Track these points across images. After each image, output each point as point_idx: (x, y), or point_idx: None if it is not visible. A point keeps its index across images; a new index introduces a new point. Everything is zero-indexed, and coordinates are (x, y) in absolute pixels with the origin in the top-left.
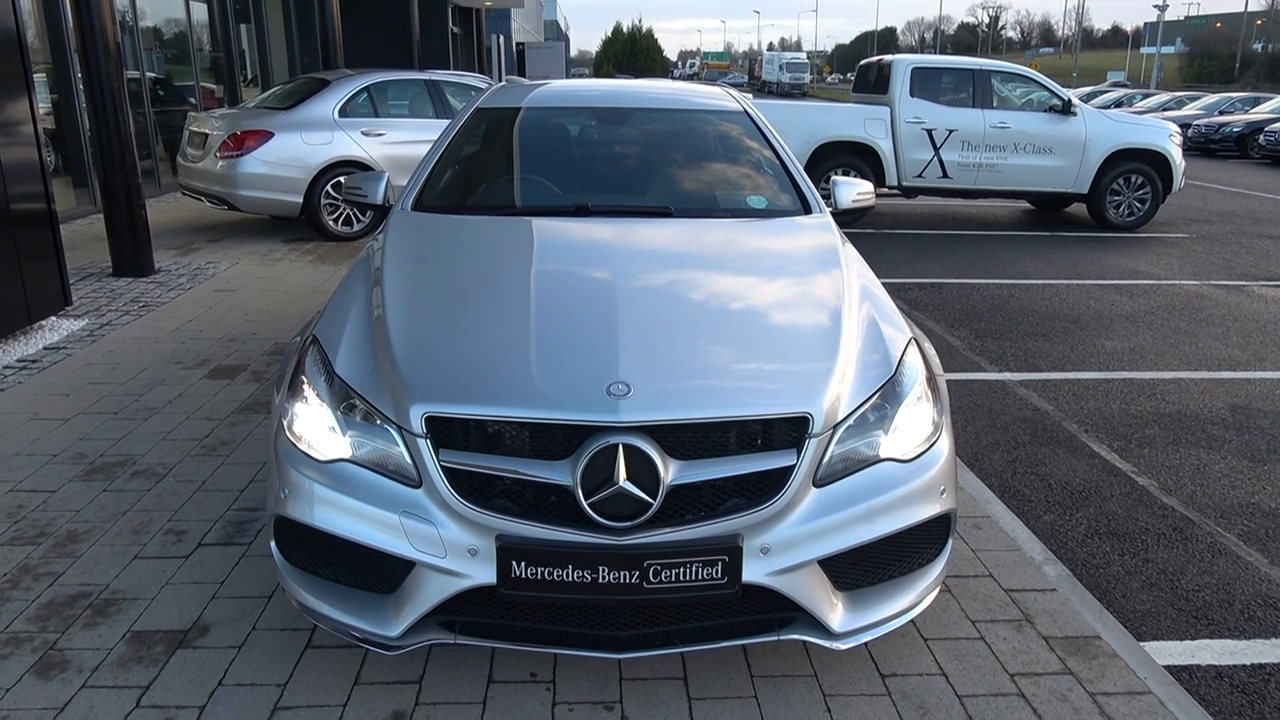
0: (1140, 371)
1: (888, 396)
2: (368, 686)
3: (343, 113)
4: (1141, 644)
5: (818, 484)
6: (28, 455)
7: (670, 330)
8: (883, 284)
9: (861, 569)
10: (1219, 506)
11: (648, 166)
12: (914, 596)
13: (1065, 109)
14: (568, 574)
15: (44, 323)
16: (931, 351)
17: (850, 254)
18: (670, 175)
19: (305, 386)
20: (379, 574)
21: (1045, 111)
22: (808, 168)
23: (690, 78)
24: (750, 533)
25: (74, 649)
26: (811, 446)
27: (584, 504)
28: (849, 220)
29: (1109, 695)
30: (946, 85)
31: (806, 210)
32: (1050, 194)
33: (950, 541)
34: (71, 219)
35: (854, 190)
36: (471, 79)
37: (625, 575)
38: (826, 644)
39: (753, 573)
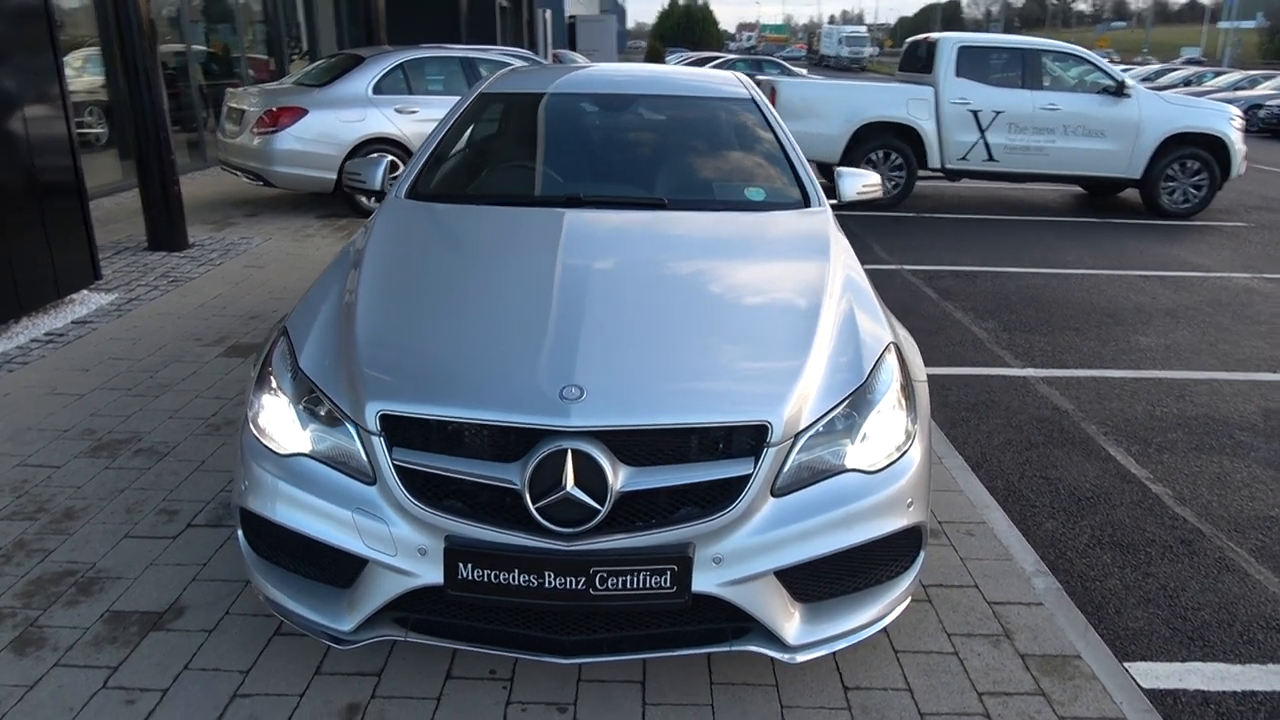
0: (1172, 371)
1: (857, 404)
2: (328, 677)
3: (377, 89)
4: (1126, 665)
5: (776, 493)
6: (39, 430)
7: (636, 331)
8: (915, 271)
9: (823, 581)
10: (1234, 519)
11: (646, 156)
12: (878, 610)
13: (1119, 90)
14: (514, 578)
15: (75, 296)
16: (915, 356)
17: (841, 251)
18: (668, 165)
19: (271, 379)
20: (335, 569)
21: (1098, 93)
22: (848, 149)
23: (747, 51)
24: (703, 542)
25: (53, 627)
26: (770, 456)
27: (531, 508)
28: (859, 207)
29: None
30: (994, 65)
31: (806, 203)
32: (1101, 179)
33: (921, 555)
34: (118, 191)
35: (859, 182)
36: (509, 55)
37: (571, 581)
38: (781, 656)
39: (703, 583)
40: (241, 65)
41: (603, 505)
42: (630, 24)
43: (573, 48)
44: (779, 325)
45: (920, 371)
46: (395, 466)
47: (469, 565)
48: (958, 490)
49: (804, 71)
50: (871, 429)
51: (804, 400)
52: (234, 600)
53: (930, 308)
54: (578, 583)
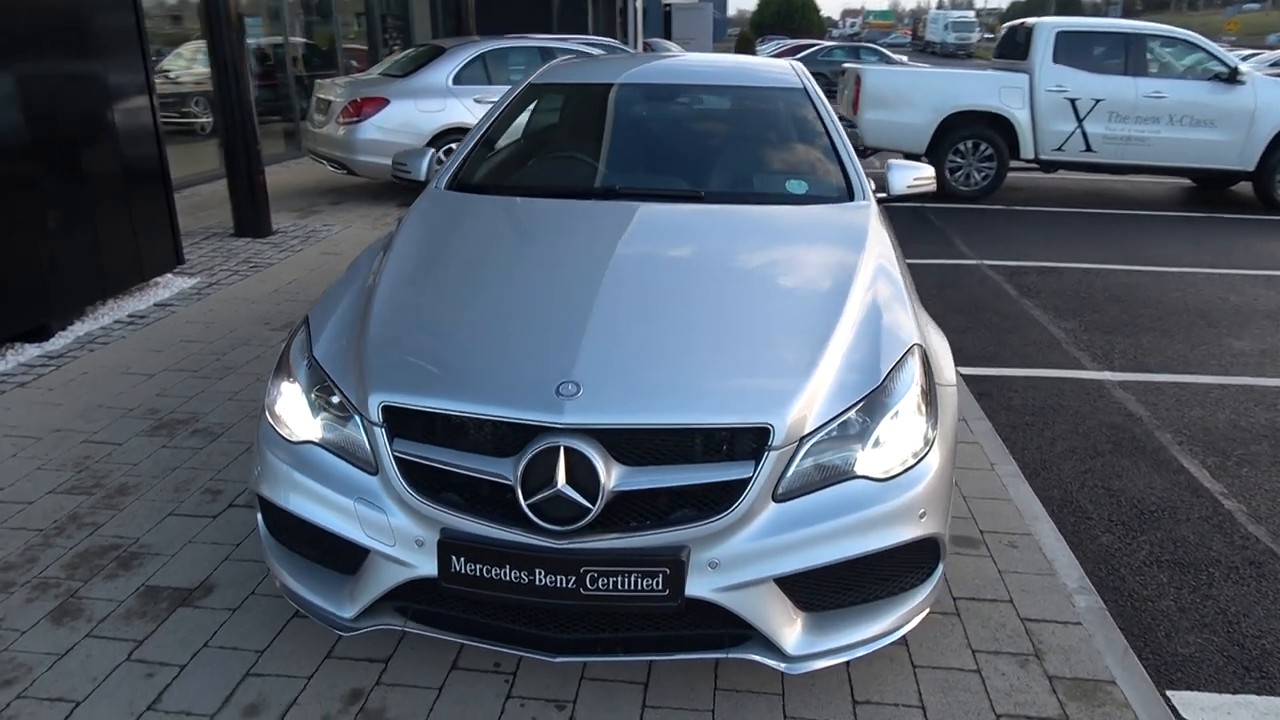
0: (1264, 378)
1: (871, 408)
2: (337, 661)
3: (457, 80)
4: (1170, 693)
5: (778, 499)
6: (108, 408)
7: (646, 328)
8: (997, 266)
9: (829, 590)
10: None
11: (688, 148)
12: (889, 623)
13: (1231, 77)
14: (505, 574)
15: (160, 280)
16: (945, 359)
17: (876, 247)
18: (710, 157)
19: (289, 367)
20: (341, 556)
21: (1209, 80)
22: (936, 139)
23: (850, 38)
24: (698, 546)
25: (91, 598)
26: (771, 459)
27: (523, 504)
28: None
29: None
30: (1095, 51)
31: (850, 197)
32: (1211, 171)
33: (940, 568)
34: (217, 179)
35: (910, 175)
36: (591, 44)
37: (562, 580)
38: (779, 666)
39: (698, 587)
40: (340, 56)
41: (594, 504)
42: (731, 11)
43: (668, 36)
44: (795, 325)
45: (949, 376)
46: (395, 458)
47: (462, 559)
48: (1006, 499)
49: (904, 59)
50: (885, 434)
51: (812, 403)
52: (260, 581)
53: (1007, 305)
54: (568, 581)
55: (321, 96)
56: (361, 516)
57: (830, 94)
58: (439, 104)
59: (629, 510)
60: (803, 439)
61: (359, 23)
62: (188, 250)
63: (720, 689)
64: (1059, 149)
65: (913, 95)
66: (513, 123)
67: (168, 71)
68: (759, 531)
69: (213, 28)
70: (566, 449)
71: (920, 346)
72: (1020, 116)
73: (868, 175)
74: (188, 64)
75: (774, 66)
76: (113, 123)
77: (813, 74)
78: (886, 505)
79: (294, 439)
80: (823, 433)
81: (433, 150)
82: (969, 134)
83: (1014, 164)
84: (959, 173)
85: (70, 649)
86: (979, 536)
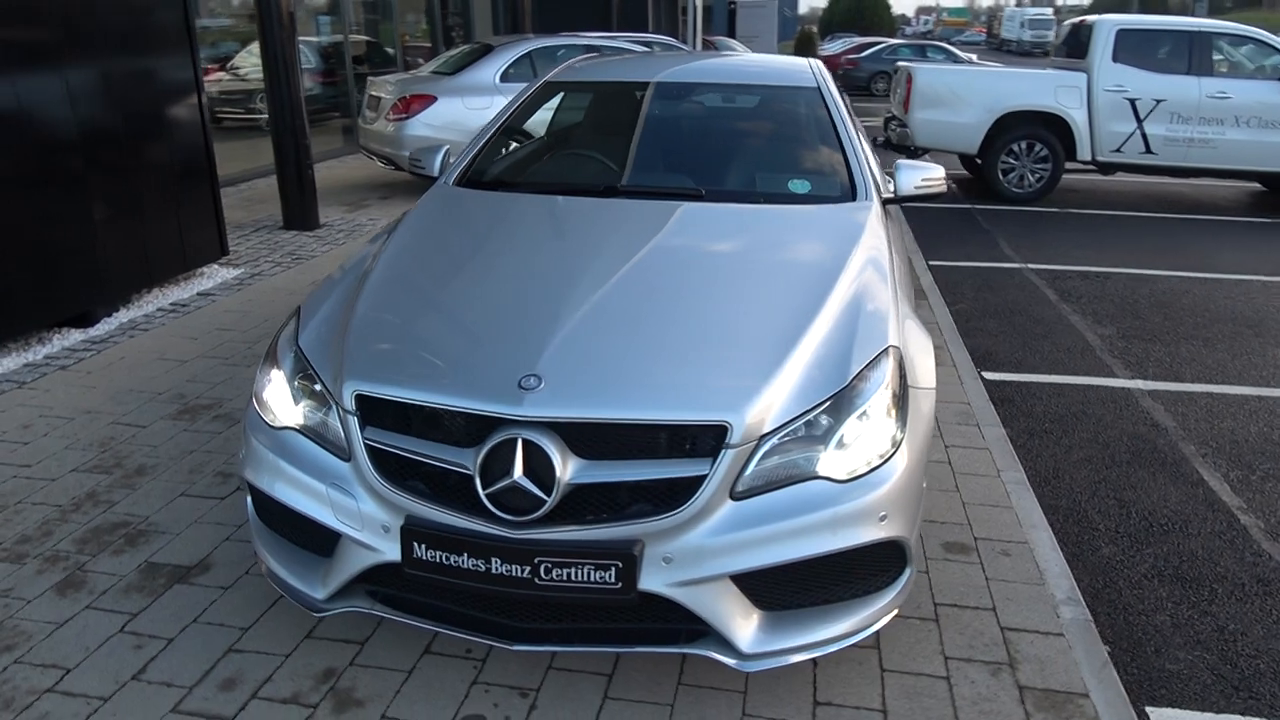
0: None
1: (836, 408)
2: (316, 641)
3: (504, 78)
4: (1149, 710)
5: (736, 496)
6: (139, 391)
7: (620, 324)
8: (1040, 270)
9: (789, 589)
10: None
11: (694, 146)
12: (848, 626)
13: None
14: (463, 561)
15: (205, 270)
16: (924, 363)
17: (869, 248)
18: (715, 156)
19: (276, 355)
20: (317, 539)
21: (1279, 80)
22: (989, 139)
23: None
24: (653, 540)
25: (95, 572)
26: (728, 457)
27: (481, 494)
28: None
29: None
30: (1157, 49)
31: (853, 197)
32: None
33: (907, 573)
34: (271, 174)
35: (918, 175)
36: (639, 41)
37: (517, 569)
38: (733, 663)
39: (652, 581)
40: (400, 54)
41: (549, 496)
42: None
43: (732, 34)
44: (768, 325)
45: (926, 380)
46: (366, 445)
47: (423, 545)
48: (1007, 507)
49: (973, 57)
50: (850, 435)
51: (773, 402)
52: (254, 562)
53: (1044, 310)
54: (523, 571)
55: (373, 94)
56: (334, 501)
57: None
58: (486, 101)
59: (586, 503)
60: (762, 437)
61: (417, 21)
62: (236, 242)
63: (684, 684)
64: (1117, 150)
65: (965, 94)
66: (526, 120)
67: (238, 69)
68: (715, 528)
69: (264, 26)
70: (525, 441)
71: (896, 349)
72: (1077, 117)
73: (885, 175)
74: (258, 62)
75: (790, 65)
76: (162, 118)
77: (876, 73)
78: (845, 506)
79: (276, 425)
80: (784, 432)
81: (447, 146)
82: (1023, 134)
83: (1070, 166)
84: (1012, 174)
85: (69, 619)
86: (972, 543)
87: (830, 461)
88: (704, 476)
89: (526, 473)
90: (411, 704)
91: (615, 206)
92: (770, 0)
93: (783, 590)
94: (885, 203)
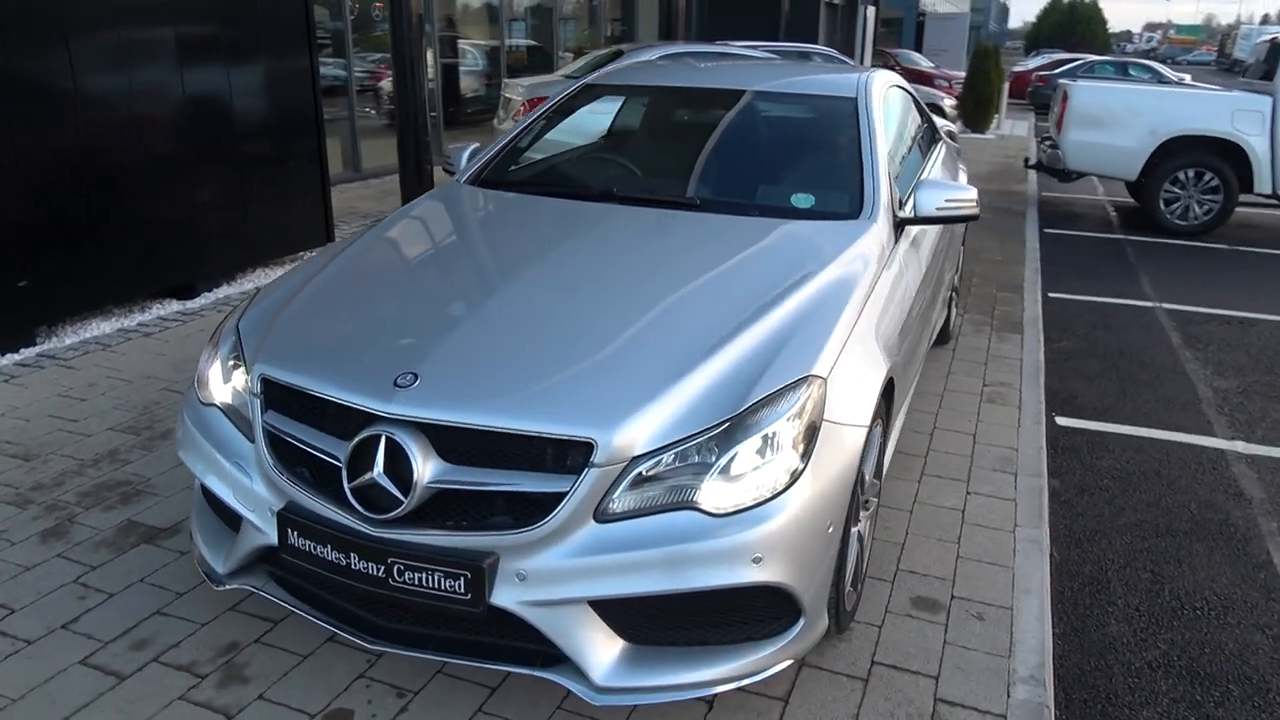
0: None
1: (725, 436)
2: (235, 615)
3: None
4: None
5: (600, 518)
6: (195, 363)
7: (522, 331)
8: (1174, 311)
9: (659, 624)
10: None
11: (708, 154)
12: (721, 672)
13: None
14: (327, 553)
15: (307, 253)
16: (855, 400)
17: (843, 269)
18: (725, 165)
19: (219, 334)
20: (231, 515)
21: None
22: (1150, 165)
23: (1145, 53)
24: (509, 555)
25: (82, 525)
26: (591, 476)
27: (346, 487)
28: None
29: None
30: None
31: (855, 215)
32: None
33: (800, 624)
34: None
35: (942, 195)
36: (783, 50)
37: (373, 567)
38: (584, 695)
39: (504, 598)
40: (556, 59)
41: (407, 496)
42: (1016, 23)
43: (918, 48)
44: (679, 341)
45: (853, 417)
46: (264, 428)
47: (295, 533)
48: (1006, 566)
49: (1185, 77)
50: (740, 467)
51: (652, 423)
52: None
53: (1159, 355)
54: (377, 570)
55: (506, 95)
56: (234, 481)
57: None
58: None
59: (449, 509)
60: (635, 459)
61: (575, 27)
62: (351, 229)
63: (563, 709)
64: None
65: (1127, 115)
66: (559, 122)
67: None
68: (573, 549)
69: (394, 30)
70: (388, 438)
71: (818, 378)
72: (1256, 144)
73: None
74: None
75: (837, 74)
76: (276, 109)
77: None
78: (713, 543)
79: (205, 402)
80: (662, 455)
81: (475, 145)
82: (1191, 161)
83: (1244, 199)
84: (1175, 205)
85: (38, 564)
86: (946, 601)
87: (711, 492)
88: (564, 494)
89: (388, 471)
90: (291, 688)
91: (594, 211)
92: (961, 14)
93: (652, 624)
94: (902, 223)
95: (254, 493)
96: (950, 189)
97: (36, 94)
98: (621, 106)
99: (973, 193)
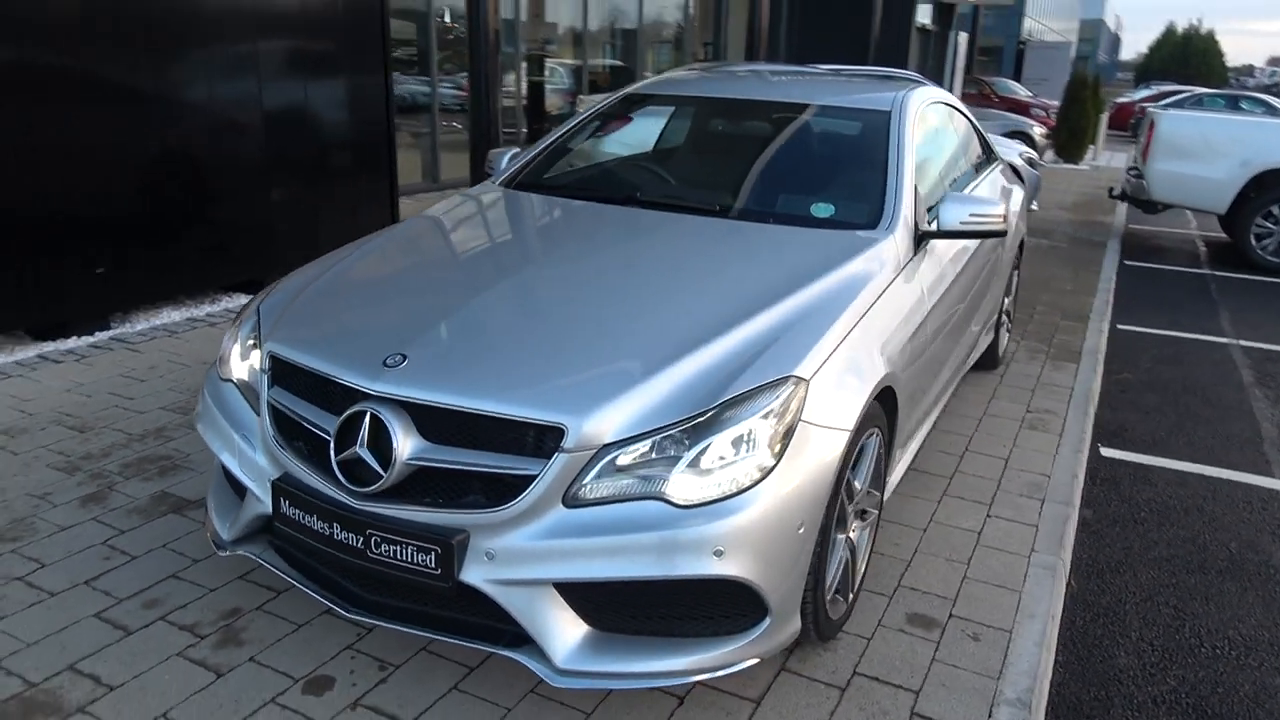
0: None
1: (697, 429)
2: (242, 583)
3: None
4: None
5: (569, 503)
6: None
7: (515, 321)
8: (1250, 349)
9: (623, 612)
10: None
11: (738, 163)
12: (683, 664)
13: None
14: (314, 523)
15: None
16: (838, 403)
17: (848, 277)
18: (747, 174)
19: (243, 314)
20: (239, 484)
21: None
22: (1241, 198)
23: (1267, 89)
24: (479, 533)
25: (120, 493)
26: (561, 461)
27: (333, 459)
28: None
29: None
30: None
31: (873, 226)
32: None
33: (766, 622)
34: None
35: (966, 210)
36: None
37: (353, 539)
38: (544, 675)
39: (473, 575)
40: (637, 79)
41: (386, 471)
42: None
43: (1017, 76)
44: (666, 336)
45: (834, 420)
46: (269, 402)
47: (287, 502)
48: (1014, 590)
49: None
50: (710, 460)
51: (624, 412)
52: None
53: (1226, 393)
54: (357, 541)
55: (578, 111)
56: (239, 451)
57: None
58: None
59: (428, 486)
60: (605, 446)
61: (665, 50)
62: None
63: (535, 693)
64: None
65: (1217, 145)
66: (603, 129)
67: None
68: (540, 532)
69: (472, 49)
70: (373, 415)
71: (799, 379)
72: None
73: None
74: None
75: (877, 89)
76: (351, 123)
77: None
78: (675, 533)
79: (224, 378)
80: (634, 445)
81: (515, 150)
82: None
83: None
84: (1267, 240)
85: (73, 525)
86: (943, 619)
87: (679, 484)
88: (534, 476)
89: (371, 446)
90: (281, 654)
91: (609, 214)
92: (1065, 43)
93: (617, 612)
94: (924, 236)
95: (256, 463)
96: (975, 203)
97: (136, 99)
98: (670, 118)
99: (1000, 208)
